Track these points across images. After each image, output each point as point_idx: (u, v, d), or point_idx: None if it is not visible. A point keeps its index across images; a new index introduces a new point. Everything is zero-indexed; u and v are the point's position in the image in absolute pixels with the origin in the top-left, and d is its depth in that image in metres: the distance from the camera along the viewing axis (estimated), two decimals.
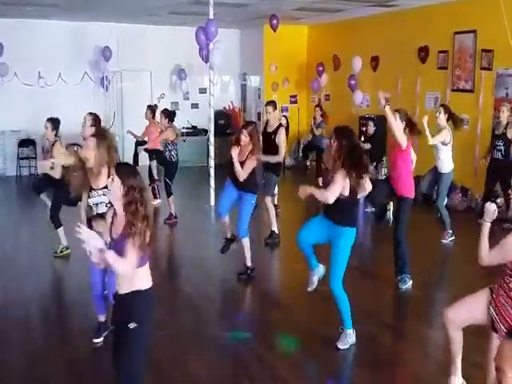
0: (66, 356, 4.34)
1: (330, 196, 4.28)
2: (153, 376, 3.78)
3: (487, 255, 3.29)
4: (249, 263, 6.08)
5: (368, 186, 4.55)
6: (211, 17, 9.04)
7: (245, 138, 5.80)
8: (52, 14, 11.05)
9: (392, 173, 5.86)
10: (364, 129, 10.74)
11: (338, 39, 12.48)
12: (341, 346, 4.46)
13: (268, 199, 7.42)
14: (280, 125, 7.49)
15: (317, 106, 11.99)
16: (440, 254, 7.08)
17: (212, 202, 9.39)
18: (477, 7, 8.96)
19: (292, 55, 13.32)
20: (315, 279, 4.80)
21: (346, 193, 4.28)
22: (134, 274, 2.98)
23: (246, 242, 6.03)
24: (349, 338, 4.47)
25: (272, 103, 7.61)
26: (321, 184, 4.48)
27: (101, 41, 12.29)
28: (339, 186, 4.26)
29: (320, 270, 4.77)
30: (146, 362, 3.10)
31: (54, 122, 6.53)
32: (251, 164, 5.85)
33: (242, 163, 5.83)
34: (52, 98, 11.91)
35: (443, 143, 7.06)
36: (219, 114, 12.69)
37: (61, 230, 6.71)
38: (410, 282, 5.69)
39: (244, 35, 14.08)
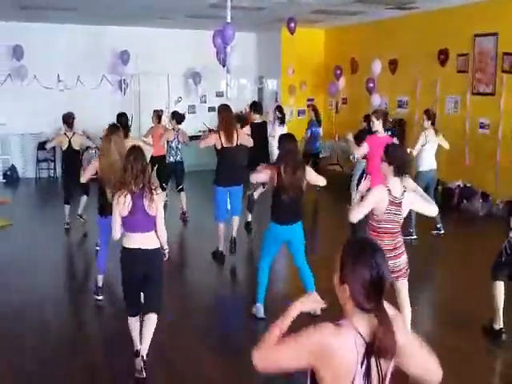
0: (79, 358, 4.35)
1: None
2: (165, 373, 3.79)
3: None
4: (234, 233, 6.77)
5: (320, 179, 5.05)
6: (228, 20, 9.03)
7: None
8: (71, 18, 11.14)
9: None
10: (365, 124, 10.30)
11: (355, 42, 12.40)
12: None
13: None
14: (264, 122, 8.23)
15: (308, 106, 11.81)
16: (463, 258, 6.97)
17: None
18: (498, 9, 8.83)
19: (309, 58, 13.27)
20: (260, 310, 5.02)
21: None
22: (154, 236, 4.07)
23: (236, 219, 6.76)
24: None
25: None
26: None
27: (119, 44, 12.37)
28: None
29: (261, 308, 5.00)
30: None
31: (63, 118, 7.84)
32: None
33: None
34: (71, 101, 11.99)
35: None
36: (236, 118, 12.64)
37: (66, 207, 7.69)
38: None
39: (261, 38, 14.07)
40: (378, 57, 11.06)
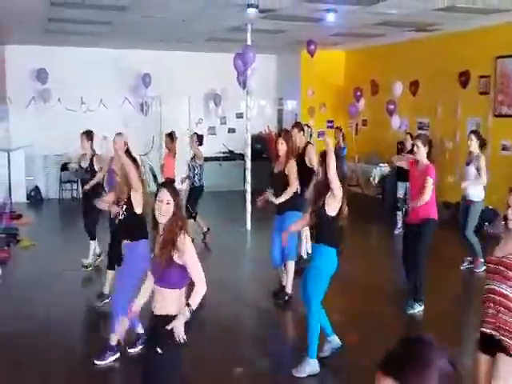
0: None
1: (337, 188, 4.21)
2: None
3: None
4: (289, 290, 5.95)
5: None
6: (249, 43, 9.13)
7: (281, 145, 5.82)
8: (94, 41, 11.39)
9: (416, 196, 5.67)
10: (400, 147, 10.42)
11: (375, 64, 12.42)
12: (296, 373, 4.26)
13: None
14: (308, 142, 6.89)
15: (337, 128, 11.73)
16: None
17: (248, 226, 9.37)
18: None
19: (329, 80, 13.32)
20: (328, 349, 4.59)
21: (334, 213, 4.29)
22: (166, 297, 3.03)
23: (290, 265, 5.91)
24: (308, 367, 4.28)
25: (297, 124, 7.10)
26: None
27: (141, 67, 12.59)
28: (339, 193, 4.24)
29: (335, 340, 4.58)
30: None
31: (88, 134, 6.94)
32: (292, 165, 5.78)
33: (283, 173, 5.76)
34: (93, 122, 12.14)
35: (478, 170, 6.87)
36: (256, 139, 12.73)
37: (93, 243, 7.04)
38: (419, 309, 5.65)
39: (281, 60, 14.19)
40: (398, 79, 11.05)
